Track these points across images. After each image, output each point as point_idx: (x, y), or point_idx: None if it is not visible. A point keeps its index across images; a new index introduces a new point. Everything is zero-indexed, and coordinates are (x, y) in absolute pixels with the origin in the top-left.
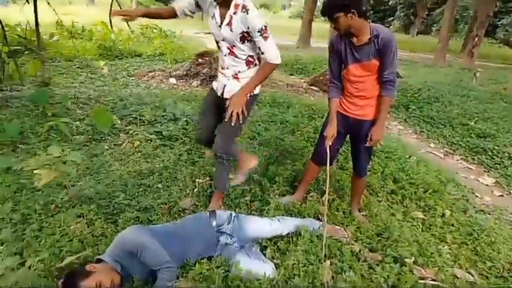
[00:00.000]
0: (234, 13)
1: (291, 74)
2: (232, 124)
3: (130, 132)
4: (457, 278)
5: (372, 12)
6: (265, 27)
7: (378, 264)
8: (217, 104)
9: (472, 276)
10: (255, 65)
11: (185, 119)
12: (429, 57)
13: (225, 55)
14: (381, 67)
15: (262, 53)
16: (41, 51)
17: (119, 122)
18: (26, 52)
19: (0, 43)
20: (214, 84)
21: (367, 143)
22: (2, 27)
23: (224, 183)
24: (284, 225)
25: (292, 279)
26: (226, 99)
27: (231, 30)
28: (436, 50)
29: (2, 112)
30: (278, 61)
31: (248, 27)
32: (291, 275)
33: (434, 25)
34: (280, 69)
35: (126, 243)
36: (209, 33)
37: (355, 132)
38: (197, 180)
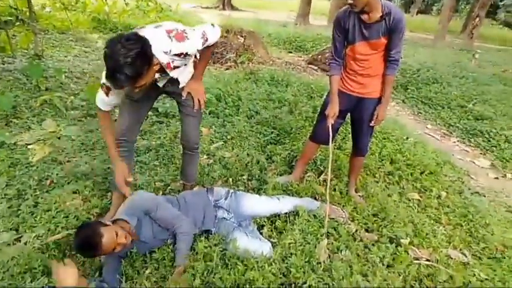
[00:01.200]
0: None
1: (290, 52)
2: (200, 111)
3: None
4: (451, 258)
5: None
6: None
7: (373, 244)
8: (150, 93)
9: (466, 256)
10: None
11: None
12: (429, 37)
13: None
14: (389, 45)
15: (206, 40)
16: (33, 22)
17: None
18: (18, 23)
19: None
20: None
21: (372, 122)
22: None
23: (196, 174)
24: (283, 204)
25: (289, 258)
26: (179, 88)
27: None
28: (436, 30)
29: None
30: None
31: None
32: (287, 254)
33: (435, 4)
34: (279, 47)
35: (143, 203)
36: (207, 7)
37: (358, 110)
38: None
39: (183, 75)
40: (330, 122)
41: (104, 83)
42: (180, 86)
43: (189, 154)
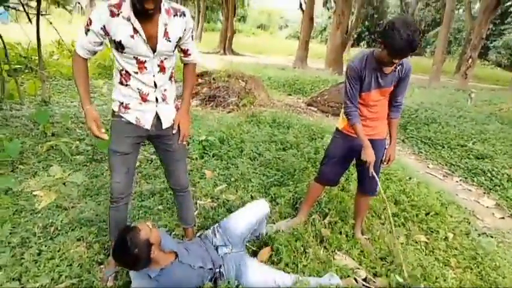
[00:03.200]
0: (166, 23)
1: (289, 94)
2: (185, 151)
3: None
4: None
5: (367, 34)
6: None
7: None
8: (138, 140)
9: None
10: (173, 76)
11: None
12: (423, 78)
13: (154, 75)
14: (395, 91)
15: (189, 55)
16: (42, 70)
17: None
18: (26, 71)
19: (2, 61)
20: (133, 118)
21: (384, 163)
22: (4, 45)
23: (194, 215)
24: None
25: None
26: (163, 129)
27: (169, 40)
28: (430, 71)
29: (1, 131)
30: (200, 58)
31: (185, 30)
32: None
33: (428, 46)
34: (279, 89)
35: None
36: (207, 52)
37: None
38: (198, 201)
39: (166, 113)
40: (371, 170)
41: (88, 19)
42: (164, 126)
43: (182, 195)
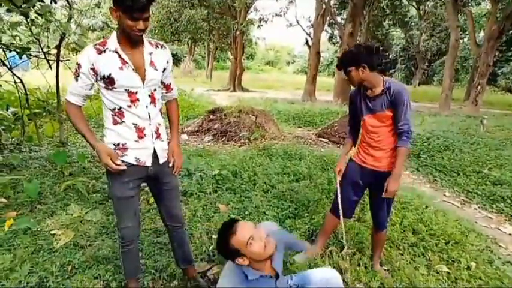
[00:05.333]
0: (151, 52)
1: (299, 127)
2: (178, 184)
3: (146, 189)
4: None
5: None
6: None
7: None
8: (139, 182)
9: None
10: (162, 112)
11: (199, 173)
12: (433, 106)
13: (147, 105)
14: (395, 118)
15: (172, 89)
16: (60, 112)
17: None
18: (44, 114)
19: (22, 106)
20: (132, 159)
21: (383, 194)
22: (25, 91)
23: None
24: None
25: None
26: (160, 165)
27: (156, 69)
28: (439, 99)
29: (21, 173)
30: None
31: (167, 62)
32: None
33: (435, 75)
34: (289, 122)
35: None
36: (218, 90)
37: (373, 183)
38: (213, 236)
39: (162, 149)
40: (338, 178)
41: (77, 64)
42: (161, 161)
43: (181, 231)
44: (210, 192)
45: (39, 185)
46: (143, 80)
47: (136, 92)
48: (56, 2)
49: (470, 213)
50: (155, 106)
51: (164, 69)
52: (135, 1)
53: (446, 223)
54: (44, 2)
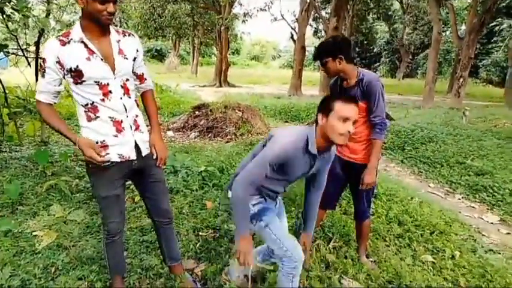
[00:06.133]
0: (119, 40)
1: (286, 121)
2: (164, 177)
3: (131, 187)
4: None
5: (358, 59)
6: None
7: None
8: (124, 179)
9: None
10: (138, 104)
11: (185, 170)
12: (417, 99)
13: (121, 97)
14: (367, 110)
15: (145, 79)
16: None
17: None
18: (25, 112)
19: (1, 105)
20: (115, 157)
21: (360, 186)
22: (4, 90)
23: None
24: None
25: None
26: (144, 157)
27: (125, 58)
28: (423, 92)
29: (1, 174)
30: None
31: (137, 51)
32: None
33: (419, 68)
34: (275, 117)
35: None
36: (204, 85)
37: (352, 175)
38: (200, 233)
39: (143, 140)
40: None
41: (41, 59)
42: (144, 153)
43: (169, 227)
44: (196, 189)
45: (20, 186)
46: (113, 70)
47: (108, 84)
48: None
49: (454, 203)
50: (130, 97)
51: (135, 59)
52: None
53: (430, 214)
54: None
